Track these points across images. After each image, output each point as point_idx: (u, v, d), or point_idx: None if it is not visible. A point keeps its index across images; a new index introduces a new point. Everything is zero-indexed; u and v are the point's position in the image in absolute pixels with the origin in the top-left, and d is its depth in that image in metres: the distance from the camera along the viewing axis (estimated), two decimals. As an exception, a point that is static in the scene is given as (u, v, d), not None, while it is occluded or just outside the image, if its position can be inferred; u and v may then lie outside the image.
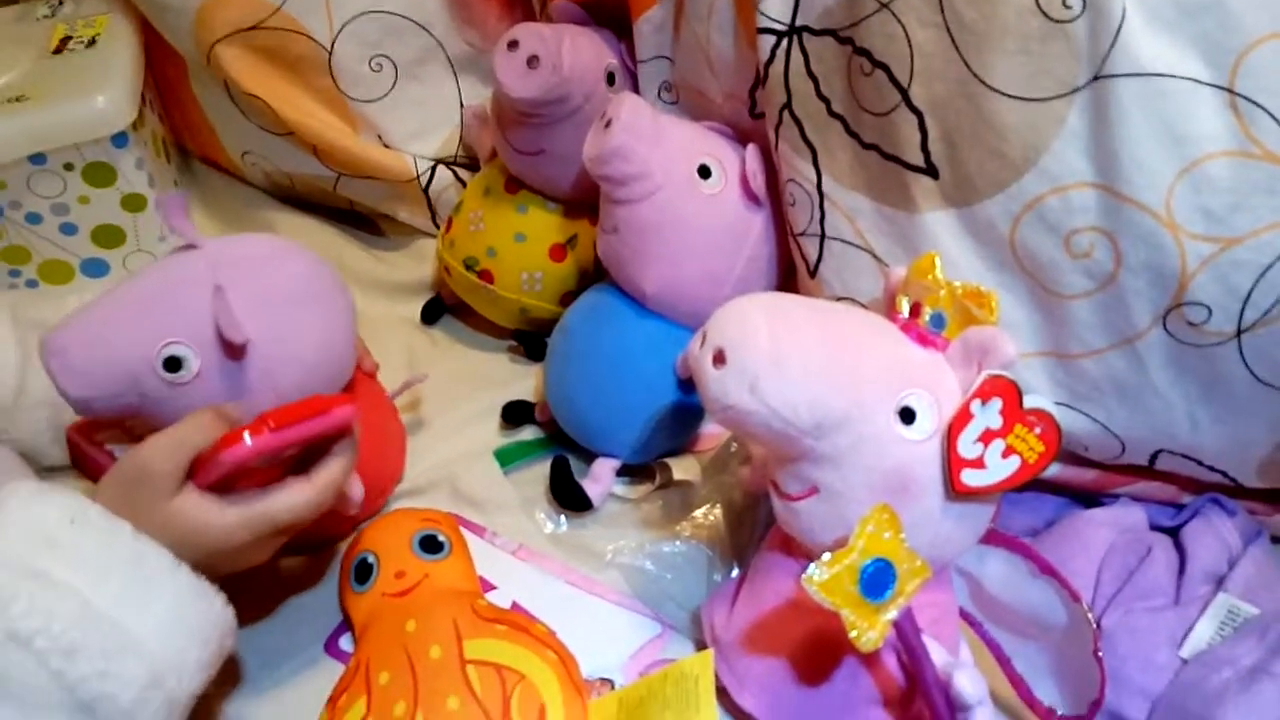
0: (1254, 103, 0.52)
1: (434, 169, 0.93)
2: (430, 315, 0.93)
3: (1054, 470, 0.69)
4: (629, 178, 0.69)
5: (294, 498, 0.57)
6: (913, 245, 0.63)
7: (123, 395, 0.62)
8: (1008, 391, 0.54)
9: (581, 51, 0.77)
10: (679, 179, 0.70)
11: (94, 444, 0.71)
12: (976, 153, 0.59)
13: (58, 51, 0.92)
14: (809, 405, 0.54)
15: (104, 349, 0.61)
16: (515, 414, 0.84)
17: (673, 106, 0.79)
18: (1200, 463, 0.64)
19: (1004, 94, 0.57)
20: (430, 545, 0.70)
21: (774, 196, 0.72)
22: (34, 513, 0.51)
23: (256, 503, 0.57)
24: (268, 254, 0.67)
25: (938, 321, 0.58)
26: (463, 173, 0.94)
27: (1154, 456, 0.65)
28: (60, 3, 0.98)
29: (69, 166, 0.89)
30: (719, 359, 0.54)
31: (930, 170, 0.61)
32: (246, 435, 0.54)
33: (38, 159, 0.87)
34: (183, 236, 0.65)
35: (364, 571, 0.68)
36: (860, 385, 0.55)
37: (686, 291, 0.72)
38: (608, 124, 0.69)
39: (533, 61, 0.74)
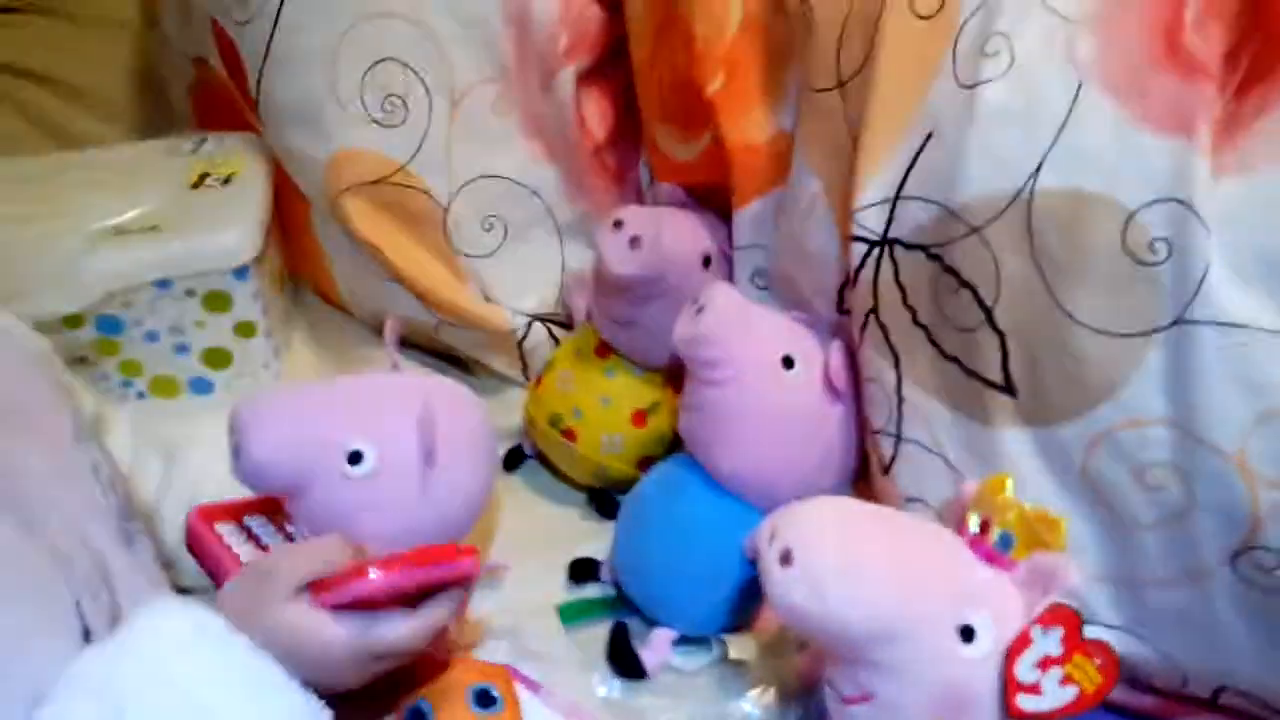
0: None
1: (530, 325, 0.97)
2: (511, 463, 0.96)
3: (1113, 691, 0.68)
4: (715, 362, 0.72)
5: (398, 630, 0.59)
6: (986, 458, 0.65)
7: (294, 473, 0.67)
8: (1069, 620, 0.55)
9: (681, 235, 0.81)
10: (763, 367, 0.72)
11: (213, 532, 0.73)
12: (1056, 378, 0.61)
13: (195, 186, 0.99)
14: (871, 617, 0.55)
15: (298, 424, 0.67)
16: (582, 571, 0.85)
17: (764, 293, 0.82)
18: (1266, 703, 0.63)
19: (1087, 326, 0.59)
20: (485, 700, 0.71)
21: (854, 391, 0.74)
22: (165, 623, 0.53)
23: (362, 626, 0.58)
24: (464, 397, 0.76)
25: (1005, 542, 0.59)
26: (557, 331, 0.98)
27: (1217, 692, 0.64)
28: (204, 140, 1.05)
29: (190, 293, 0.94)
30: (786, 559, 0.56)
31: (1009, 389, 0.63)
32: (373, 571, 0.56)
33: (163, 284, 0.93)
34: (390, 357, 0.75)
35: (417, 720, 0.69)
36: (923, 600, 0.56)
37: (762, 475, 0.74)
38: (699, 309, 0.72)
39: (635, 242, 0.78)
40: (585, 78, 0.91)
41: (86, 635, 0.54)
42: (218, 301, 0.95)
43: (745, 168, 0.78)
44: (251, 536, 0.70)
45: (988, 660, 0.56)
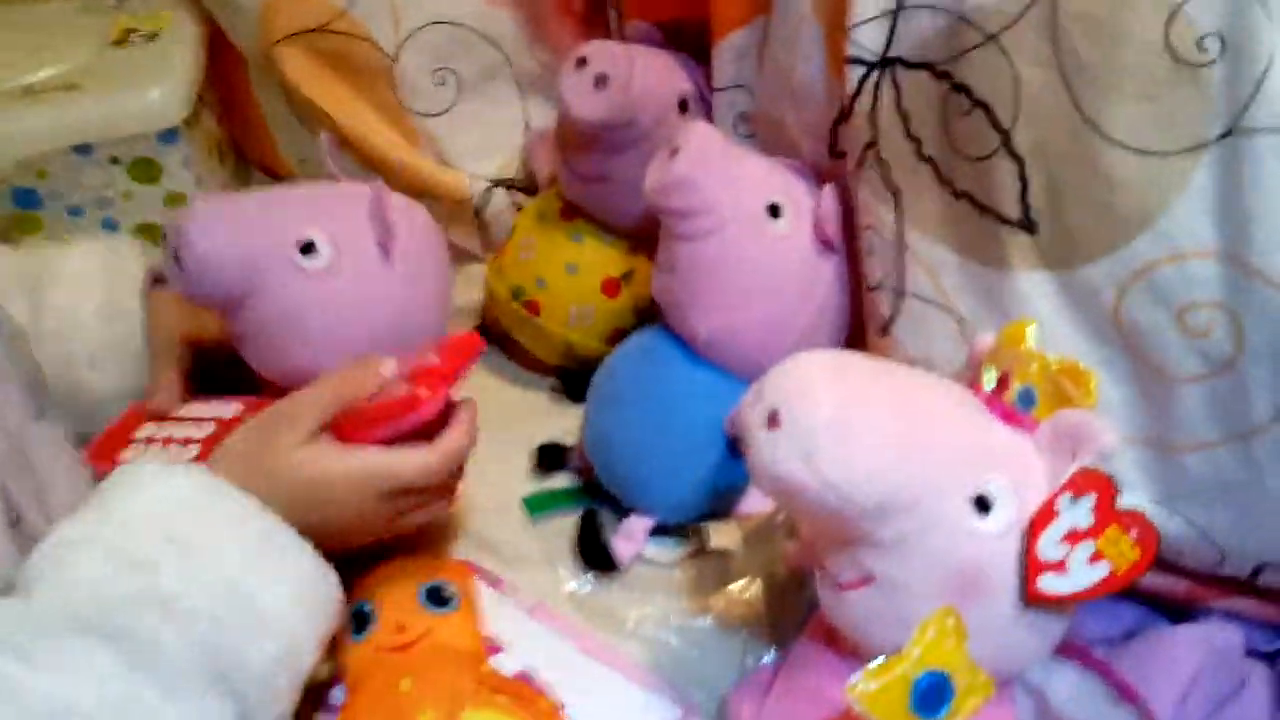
0: None
1: (490, 190, 0.88)
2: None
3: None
4: (692, 212, 0.63)
5: (419, 458, 0.56)
6: (1003, 308, 0.56)
7: (241, 272, 0.61)
8: (1103, 486, 0.47)
9: (653, 74, 0.72)
10: (746, 217, 0.63)
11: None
12: (1083, 209, 0.52)
13: (118, 44, 0.89)
14: (871, 483, 0.47)
15: (244, 219, 0.62)
16: (550, 458, 0.78)
17: (749, 140, 0.73)
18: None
19: (1121, 144, 0.50)
20: (437, 597, 0.64)
21: (849, 244, 0.65)
22: (169, 483, 0.49)
23: (383, 458, 0.55)
24: (410, 202, 0.69)
25: (1027, 398, 0.50)
26: (521, 197, 0.89)
27: (1258, 570, 0.57)
28: (123, -6, 0.95)
29: (114, 160, 0.85)
30: (773, 421, 0.47)
31: (1028, 225, 0.54)
32: (423, 391, 0.55)
33: (84, 150, 0.84)
34: (331, 169, 0.69)
35: (360, 621, 0.62)
36: (932, 465, 0.48)
37: (745, 340, 0.66)
38: (674, 153, 0.63)
39: (600, 81, 0.69)
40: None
41: (16, 522, 0.49)
42: (145, 170, 0.87)
43: (719, -1, 0.69)
44: (155, 441, 0.63)
45: (1007, 534, 0.48)
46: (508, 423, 0.81)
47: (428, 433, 0.57)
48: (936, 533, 0.48)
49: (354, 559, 0.61)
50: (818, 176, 0.67)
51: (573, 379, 0.82)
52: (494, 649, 0.64)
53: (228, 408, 0.66)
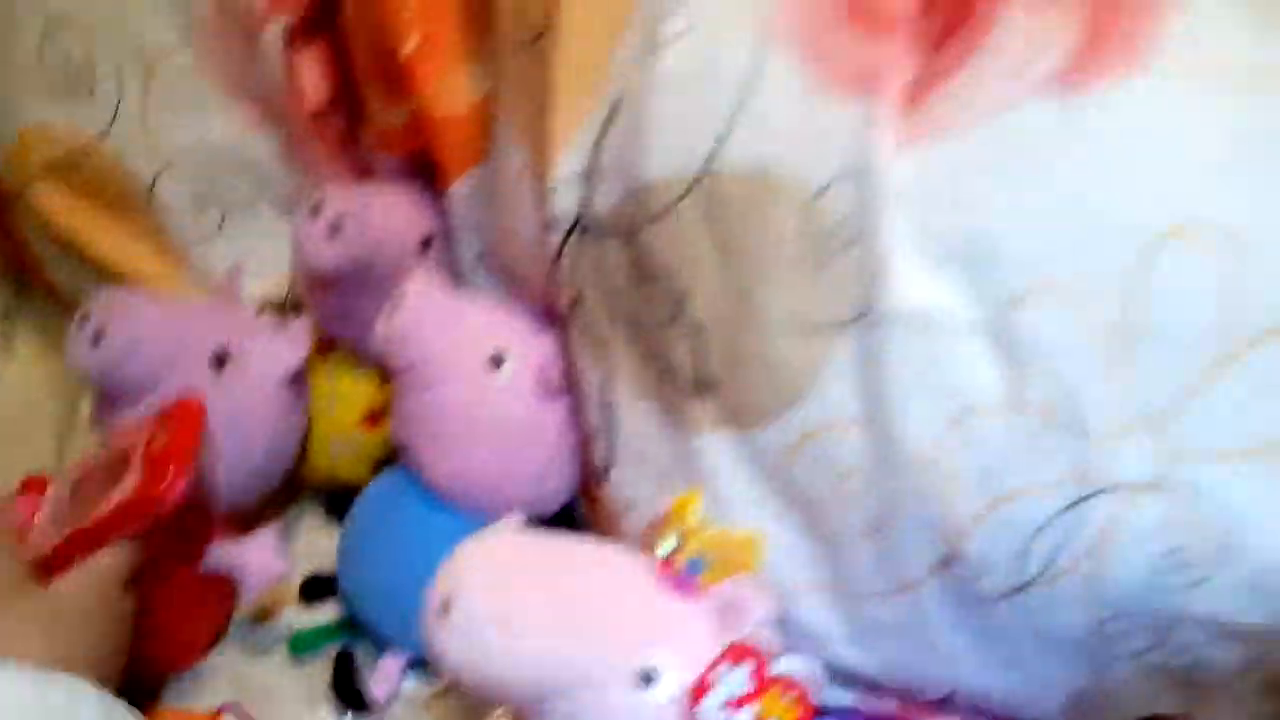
0: (1024, 357, 0.47)
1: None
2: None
3: (852, 699, 0.63)
4: (414, 365, 0.64)
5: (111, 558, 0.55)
6: (691, 465, 0.58)
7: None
8: (756, 657, 0.49)
9: (392, 216, 0.73)
10: (467, 368, 0.65)
11: None
12: (752, 378, 0.54)
13: None
14: (534, 668, 0.49)
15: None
16: (316, 589, 0.77)
17: (490, 278, 0.74)
18: (993, 712, 0.59)
19: (776, 320, 0.52)
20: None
21: (573, 391, 0.67)
22: None
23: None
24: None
25: (696, 567, 0.52)
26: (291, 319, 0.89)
27: (950, 694, 0.59)
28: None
29: None
30: (444, 608, 0.48)
31: (708, 390, 0.56)
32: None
33: None
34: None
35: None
36: (594, 646, 0.49)
37: (476, 486, 0.67)
38: (395, 304, 0.64)
39: (336, 228, 0.69)
40: (296, 36, 0.81)
41: None
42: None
43: (449, 140, 0.70)
44: None
45: (674, 704, 0.50)
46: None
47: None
48: (606, 708, 0.49)
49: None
50: (547, 322, 0.69)
51: (340, 502, 0.82)
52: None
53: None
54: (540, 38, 0.59)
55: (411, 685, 0.73)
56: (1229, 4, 0.47)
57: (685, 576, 0.52)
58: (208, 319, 0.74)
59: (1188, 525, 0.47)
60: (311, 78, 0.82)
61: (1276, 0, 0.46)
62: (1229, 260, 0.45)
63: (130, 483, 0.55)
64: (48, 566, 0.54)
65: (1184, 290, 0.46)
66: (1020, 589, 0.51)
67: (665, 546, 0.54)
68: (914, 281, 0.48)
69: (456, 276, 0.76)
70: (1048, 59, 0.47)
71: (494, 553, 0.50)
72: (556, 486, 0.68)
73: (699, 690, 0.49)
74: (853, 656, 0.59)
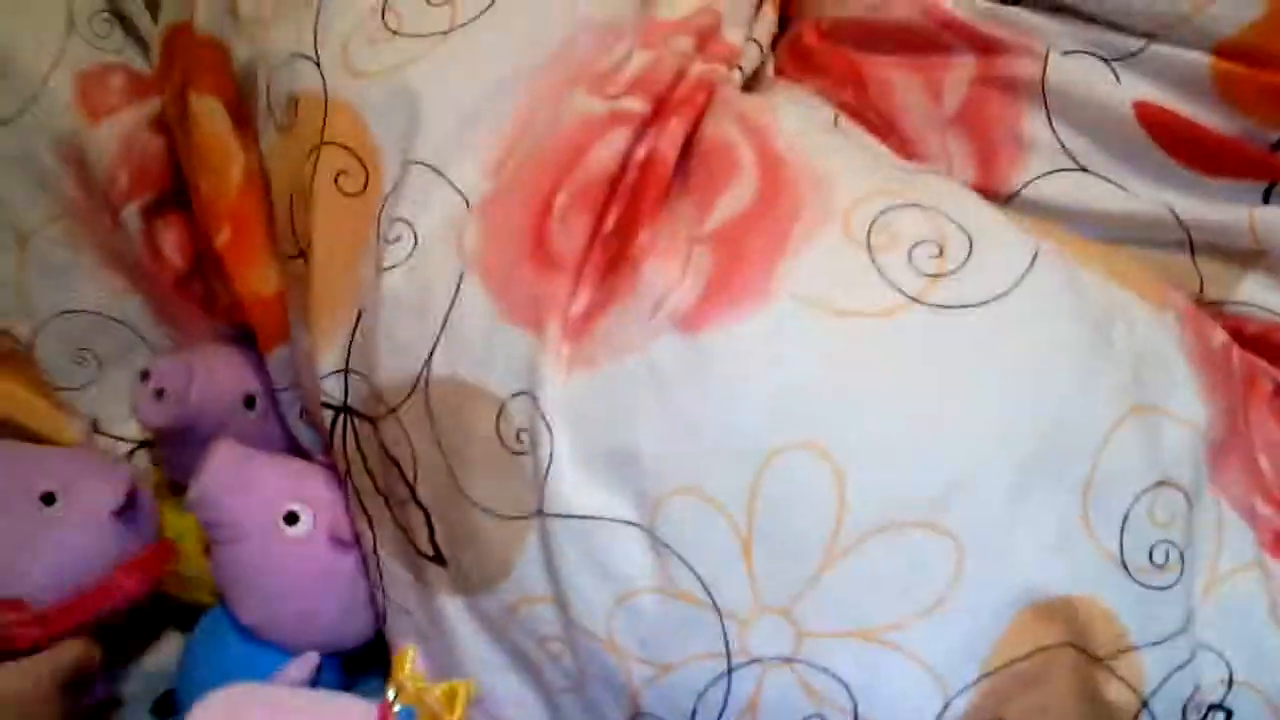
0: (669, 548, 0.56)
1: (133, 453, 0.97)
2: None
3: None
4: (213, 524, 0.73)
5: (70, 648, 0.67)
6: (437, 622, 0.66)
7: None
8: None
9: (216, 380, 0.81)
10: (262, 526, 0.73)
11: None
12: (468, 554, 0.63)
13: None
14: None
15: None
16: (167, 706, 0.86)
17: (311, 433, 0.83)
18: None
19: (480, 508, 0.61)
20: None
21: (367, 543, 0.76)
22: None
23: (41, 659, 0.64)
24: None
25: (408, 716, 0.61)
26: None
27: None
28: None
29: None
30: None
31: (440, 559, 0.65)
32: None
33: None
34: None
35: None
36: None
37: (280, 629, 0.75)
38: (200, 470, 0.73)
39: (159, 394, 0.78)
40: (158, 209, 0.91)
41: None
42: None
43: (261, 318, 0.79)
44: None
45: None
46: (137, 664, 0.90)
47: None
48: None
49: None
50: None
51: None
52: None
53: None
54: (301, 255, 0.68)
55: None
56: (835, 255, 0.56)
57: (399, 725, 0.60)
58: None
59: (819, 695, 0.55)
60: (170, 249, 0.91)
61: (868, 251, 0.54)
62: (833, 473, 0.54)
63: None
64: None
65: (797, 497, 0.54)
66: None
67: (390, 695, 0.62)
68: (576, 485, 0.57)
69: (286, 432, 0.85)
70: (680, 299, 0.56)
71: (230, 704, 0.59)
72: (354, 628, 0.76)
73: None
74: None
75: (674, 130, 0.62)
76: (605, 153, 0.62)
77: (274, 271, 0.77)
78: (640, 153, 0.62)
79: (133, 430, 0.96)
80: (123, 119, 0.88)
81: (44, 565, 0.74)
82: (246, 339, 0.86)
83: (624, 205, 0.60)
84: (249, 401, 0.84)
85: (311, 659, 0.73)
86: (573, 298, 0.59)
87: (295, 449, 0.85)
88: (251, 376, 0.84)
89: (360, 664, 0.81)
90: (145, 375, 0.79)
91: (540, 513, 0.58)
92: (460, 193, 0.63)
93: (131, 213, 0.88)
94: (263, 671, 0.74)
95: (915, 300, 0.55)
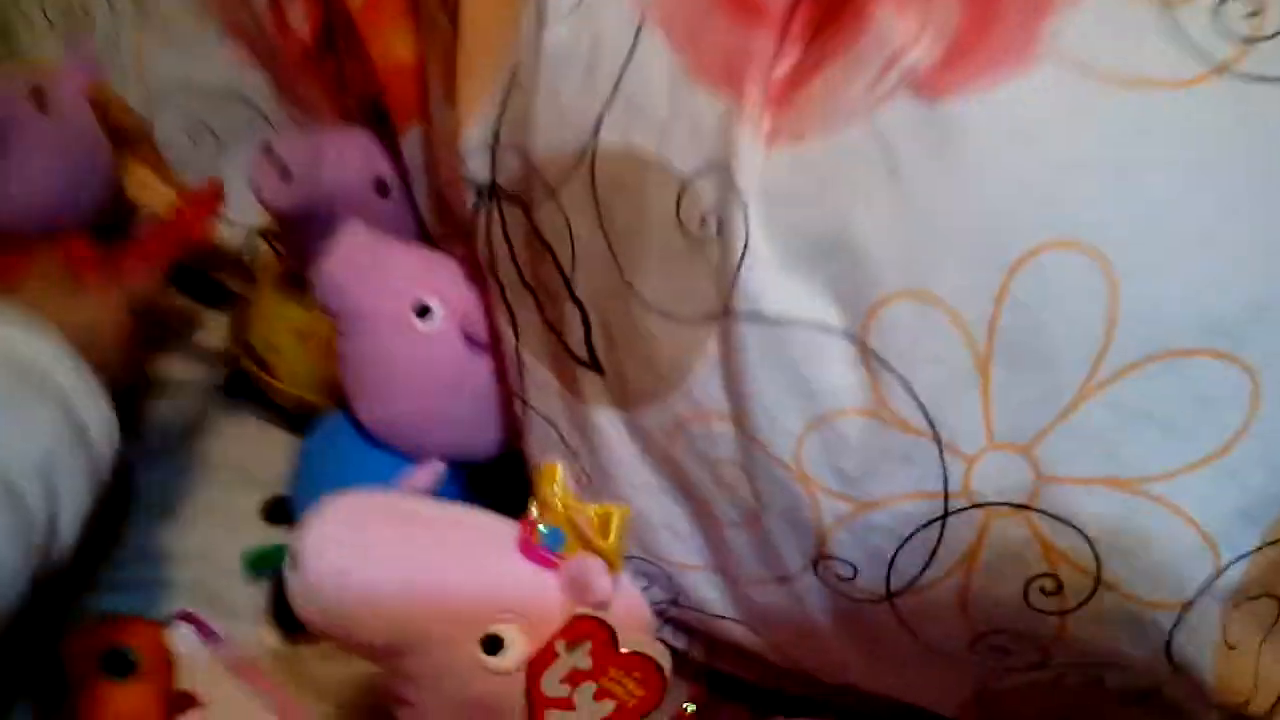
0: (885, 363, 0.46)
1: (253, 239, 0.90)
2: (234, 389, 0.90)
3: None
4: (341, 313, 0.66)
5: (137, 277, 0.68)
6: (587, 436, 0.59)
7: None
8: (596, 634, 0.50)
9: (345, 162, 0.73)
10: (391, 316, 0.66)
11: None
12: (632, 359, 0.54)
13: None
14: (376, 627, 0.50)
15: None
16: (277, 511, 0.81)
17: (442, 226, 0.75)
18: (891, 698, 0.59)
19: (651, 305, 0.52)
20: (116, 665, 0.68)
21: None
22: None
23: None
24: None
25: (555, 538, 0.53)
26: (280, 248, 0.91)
27: (847, 683, 0.60)
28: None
29: None
30: (295, 562, 0.51)
31: (595, 365, 0.56)
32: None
33: None
34: None
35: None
36: (438, 612, 0.51)
37: (402, 429, 0.69)
38: (325, 253, 0.65)
39: (286, 173, 0.70)
40: (283, -28, 0.82)
41: None
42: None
43: (397, 92, 0.70)
44: None
45: (518, 673, 0.51)
46: (244, 469, 0.85)
47: None
48: (448, 671, 0.51)
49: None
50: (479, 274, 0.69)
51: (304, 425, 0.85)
52: (189, 704, 0.68)
53: None
54: (451, 4, 0.59)
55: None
56: (1118, 9, 0.44)
57: (544, 547, 0.53)
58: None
59: (1056, 550, 0.46)
60: (297, 18, 0.82)
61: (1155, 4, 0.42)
62: (1103, 281, 0.43)
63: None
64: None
65: (1055, 309, 0.43)
66: (890, 595, 0.50)
67: (533, 514, 0.54)
68: (772, 281, 0.47)
69: (417, 221, 0.77)
70: (918, 59, 0.44)
71: (345, 511, 0.52)
72: (483, 437, 0.70)
73: (539, 663, 0.51)
74: (744, 636, 0.59)
75: None
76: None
77: (413, 38, 0.68)
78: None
79: (251, 215, 0.89)
80: None
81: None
82: (376, 123, 0.78)
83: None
84: (379, 186, 0.76)
85: (437, 465, 0.66)
86: (778, 55, 0.48)
87: (425, 241, 0.77)
88: (382, 160, 0.76)
89: (482, 484, 0.74)
90: (269, 150, 0.71)
91: (726, 313, 0.49)
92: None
93: (259, -31, 0.79)
94: (383, 477, 0.68)
95: (1222, 68, 0.42)
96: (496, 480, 0.73)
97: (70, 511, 0.52)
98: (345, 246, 0.65)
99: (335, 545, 0.50)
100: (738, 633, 0.60)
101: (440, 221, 0.73)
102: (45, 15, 0.83)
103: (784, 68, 0.48)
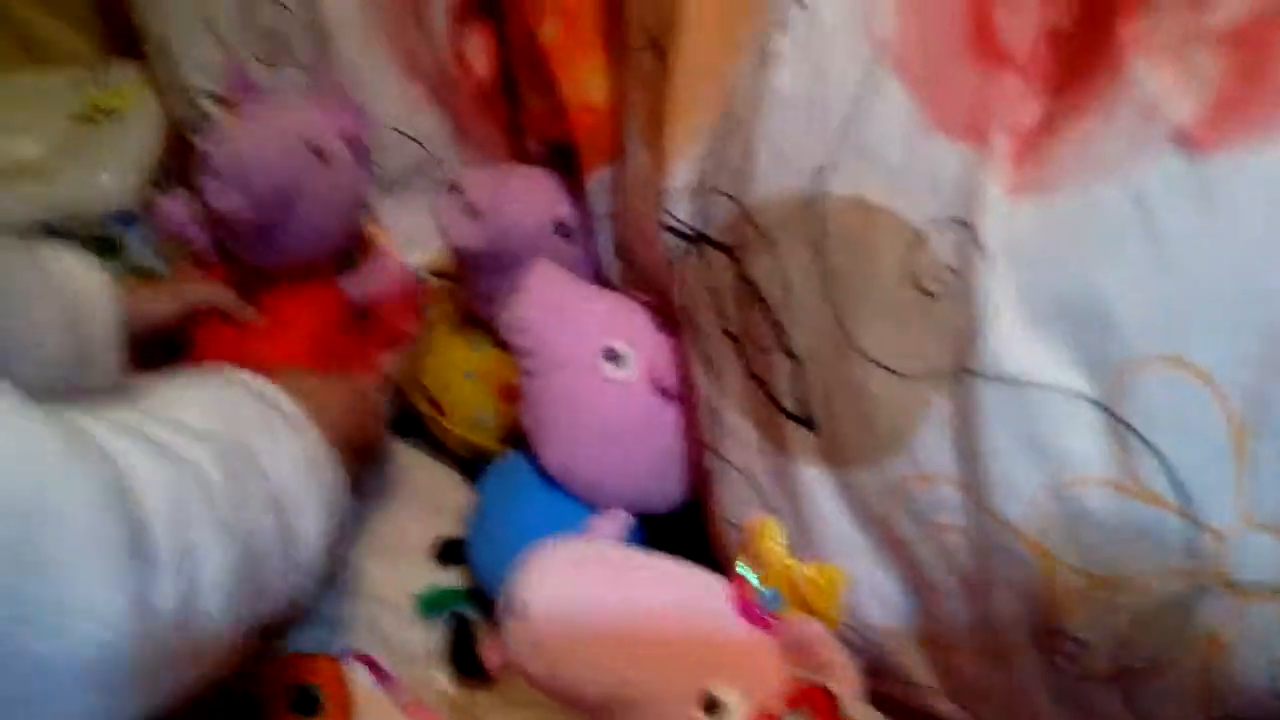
0: (1135, 432, 0.43)
1: (424, 279, 0.91)
2: (404, 426, 0.91)
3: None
4: (530, 352, 0.65)
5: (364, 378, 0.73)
6: (791, 493, 0.56)
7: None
8: (819, 702, 0.48)
9: (529, 202, 0.73)
10: (582, 361, 0.65)
11: None
12: (850, 416, 0.52)
13: (86, 120, 0.94)
14: (595, 681, 0.49)
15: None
16: (449, 552, 0.81)
17: (624, 271, 0.73)
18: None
19: (875, 362, 0.50)
20: (304, 704, 0.68)
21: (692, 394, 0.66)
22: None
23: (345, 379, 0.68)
24: None
25: (773, 598, 0.51)
26: (450, 286, 0.91)
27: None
28: (109, 69, 1.00)
29: (76, 237, 0.90)
30: (515, 609, 0.50)
31: (807, 422, 0.54)
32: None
33: (49, 227, 0.89)
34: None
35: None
36: (655, 668, 0.49)
37: (585, 476, 0.67)
38: (518, 291, 0.65)
39: (472, 212, 0.70)
40: (465, 10, 0.82)
41: None
42: (106, 247, 0.92)
43: (587, 130, 0.69)
44: None
45: (737, 735, 0.49)
46: (415, 509, 0.85)
47: None
48: (664, 728, 0.49)
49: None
50: (670, 321, 0.68)
51: (477, 469, 0.84)
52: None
53: None
54: (661, 42, 0.57)
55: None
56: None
57: (761, 607, 0.51)
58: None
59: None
60: (475, 54, 0.83)
61: None
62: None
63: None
64: None
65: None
66: (1125, 675, 0.47)
67: (743, 573, 0.52)
68: (1016, 341, 0.45)
69: (595, 265, 0.76)
70: (1181, 112, 0.42)
71: (566, 563, 0.50)
72: (666, 488, 0.68)
73: (759, 729, 0.49)
74: (950, 711, 0.57)
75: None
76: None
77: (605, 76, 0.67)
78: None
79: (419, 256, 0.90)
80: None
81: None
82: (556, 164, 0.77)
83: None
84: (560, 228, 0.75)
85: (623, 515, 0.65)
86: (1024, 102, 0.46)
87: (602, 285, 0.76)
88: (563, 201, 0.75)
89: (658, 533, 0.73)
90: (455, 189, 0.71)
91: (961, 372, 0.46)
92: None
93: (439, 10, 0.79)
94: (563, 523, 0.67)
95: None
96: (674, 531, 0.71)
97: (312, 534, 0.54)
98: (538, 285, 0.64)
99: (561, 594, 0.49)
100: (941, 706, 0.57)
101: (626, 267, 0.71)
102: (243, 40, 0.84)
103: (1031, 115, 0.45)
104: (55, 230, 0.89)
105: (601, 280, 0.76)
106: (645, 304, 0.68)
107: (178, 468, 0.45)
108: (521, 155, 0.83)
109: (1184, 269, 0.42)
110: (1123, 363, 0.43)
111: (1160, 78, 0.42)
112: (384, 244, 0.88)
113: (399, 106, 0.85)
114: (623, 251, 0.71)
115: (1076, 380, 0.44)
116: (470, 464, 0.86)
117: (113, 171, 0.89)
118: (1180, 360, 0.42)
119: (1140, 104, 0.42)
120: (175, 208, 0.77)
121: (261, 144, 0.74)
